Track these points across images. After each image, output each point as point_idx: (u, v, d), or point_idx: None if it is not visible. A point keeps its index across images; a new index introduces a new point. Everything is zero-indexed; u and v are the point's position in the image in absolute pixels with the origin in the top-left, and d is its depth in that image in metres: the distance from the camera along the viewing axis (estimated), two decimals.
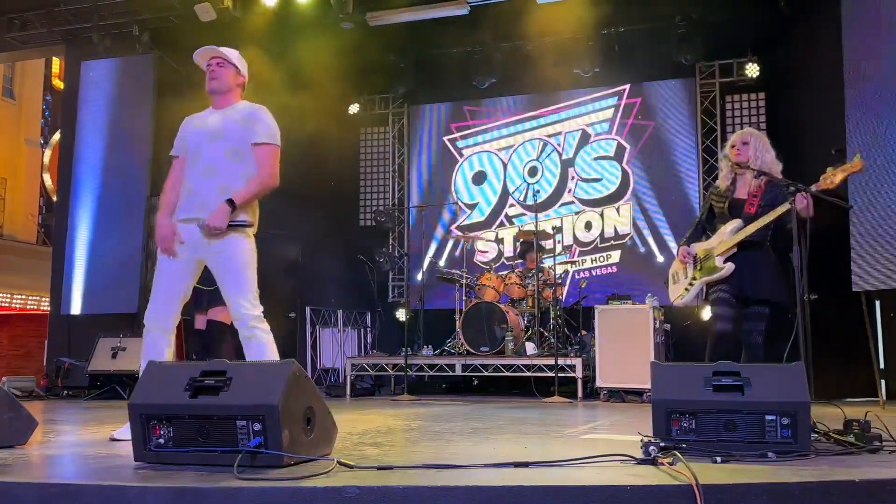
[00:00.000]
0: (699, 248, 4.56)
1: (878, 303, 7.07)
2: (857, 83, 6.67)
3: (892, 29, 6.49)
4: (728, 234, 4.36)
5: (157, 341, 3.60)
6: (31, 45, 9.88)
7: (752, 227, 4.25)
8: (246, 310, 3.56)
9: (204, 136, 3.70)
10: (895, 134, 6.36)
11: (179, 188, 3.75)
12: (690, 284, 4.55)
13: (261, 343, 3.56)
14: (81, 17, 9.19)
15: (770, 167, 4.34)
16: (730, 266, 4.32)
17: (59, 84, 17.27)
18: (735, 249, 4.33)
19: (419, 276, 10.15)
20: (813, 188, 3.97)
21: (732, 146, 4.46)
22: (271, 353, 3.57)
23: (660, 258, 9.51)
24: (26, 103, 18.44)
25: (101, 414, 5.37)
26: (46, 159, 18.33)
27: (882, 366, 6.82)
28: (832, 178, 3.96)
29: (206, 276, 5.40)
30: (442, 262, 10.27)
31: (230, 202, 3.57)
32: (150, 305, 3.65)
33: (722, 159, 4.57)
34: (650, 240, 9.64)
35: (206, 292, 5.45)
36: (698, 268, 4.51)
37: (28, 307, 16.83)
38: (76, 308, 8.63)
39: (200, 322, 5.65)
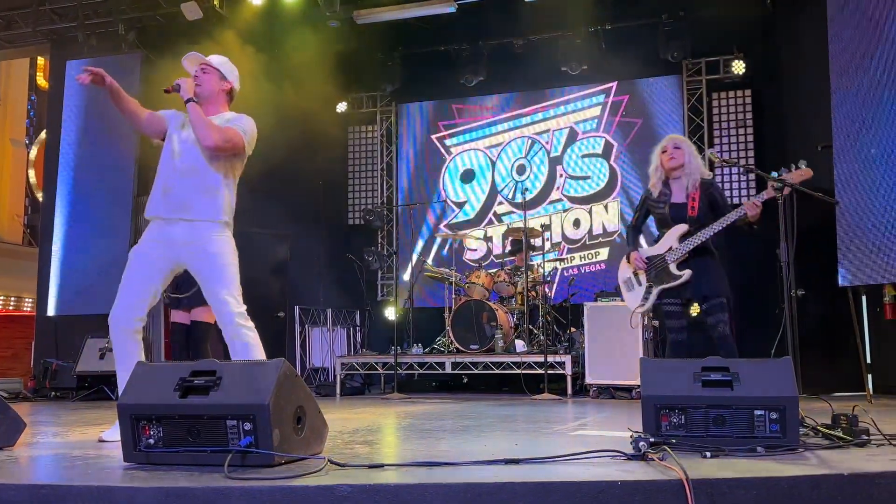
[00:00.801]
0: (648, 253, 4.62)
1: (864, 298, 7.13)
2: (842, 80, 6.71)
3: (877, 25, 6.54)
4: (676, 240, 4.43)
5: (125, 345, 3.50)
6: (16, 44, 9.81)
7: (705, 234, 4.34)
8: (231, 307, 3.51)
9: (188, 139, 3.67)
10: (880, 130, 6.41)
11: (143, 113, 3.81)
12: (648, 291, 4.59)
13: (246, 343, 3.50)
14: (66, 16, 9.14)
15: (701, 171, 4.45)
16: (688, 273, 4.39)
17: (44, 84, 17.14)
18: (687, 255, 4.39)
19: (408, 275, 10.15)
20: (764, 196, 4.04)
21: (664, 151, 4.54)
22: (257, 352, 3.50)
23: None
24: (11, 103, 18.28)
25: (89, 415, 5.34)
26: (32, 159, 18.20)
27: (868, 360, 6.88)
28: (786, 185, 4.02)
29: (185, 280, 5.51)
30: (430, 261, 10.26)
31: (195, 101, 3.63)
32: (116, 304, 3.55)
33: (655, 157, 4.62)
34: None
35: (185, 294, 5.52)
36: (652, 275, 4.55)
37: (15, 308, 16.71)
38: (63, 309, 8.58)
39: (178, 316, 5.67)
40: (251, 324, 3.56)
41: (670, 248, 4.46)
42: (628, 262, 4.71)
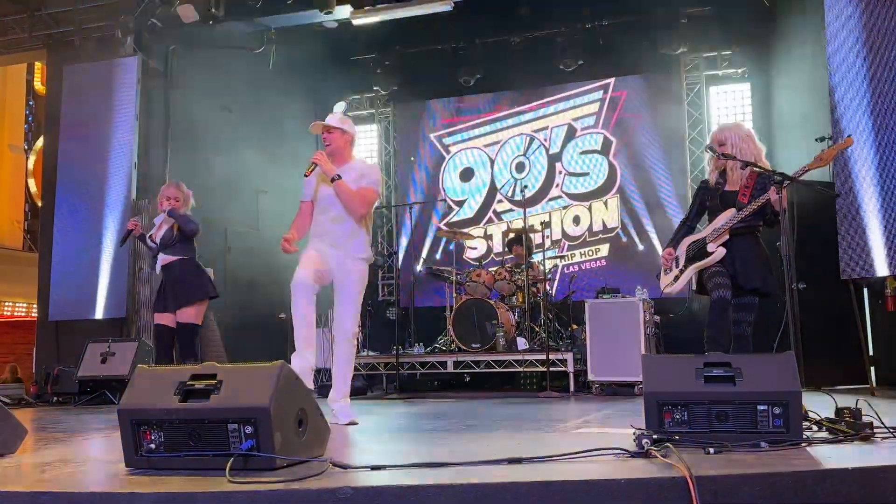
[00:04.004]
0: (690, 239, 4.60)
1: (866, 290, 7.11)
2: (840, 73, 6.70)
3: (875, 18, 6.52)
4: (722, 222, 4.41)
5: (308, 293, 4.40)
6: (13, 49, 9.79)
7: (744, 212, 4.33)
8: (350, 324, 4.47)
9: (332, 195, 4.46)
10: (879, 123, 6.40)
11: (305, 226, 4.63)
12: (681, 272, 4.59)
13: (349, 355, 4.51)
14: (63, 21, 9.11)
15: (753, 156, 4.38)
16: (721, 250, 4.38)
17: (41, 89, 17.13)
18: (727, 237, 4.38)
19: (409, 275, 10.13)
20: (805, 167, 4.05)
21: (712, 149, 4.51)
22: (351, 363, 4.56)
23: (648, 250, 9.54)
24: (9, 108, 18.28)
25: (91, 419, 5.33)
26: (30, 165, 18.20)
27: (871, 353, 6.86)
28: (824, 155, 4.06)
29: (175, 279, 5.56)
30: (424, 259, 10.25)
31: (339, 177, 4.40)
32: (297, 272, 4.45)
33: (706, 151, 4.60)
34: (638, 232, 9.66)
35: (172, 295, 5.55)
36: (689, 256, 4.56)
37: (15, 314, 16.72)
38: (64, 314, 8.57)
39: (163, 318, 5.70)
40: (356, 341, 4.63)
41: (713, 230, 4.46)
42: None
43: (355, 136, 4.70)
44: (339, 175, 4.41)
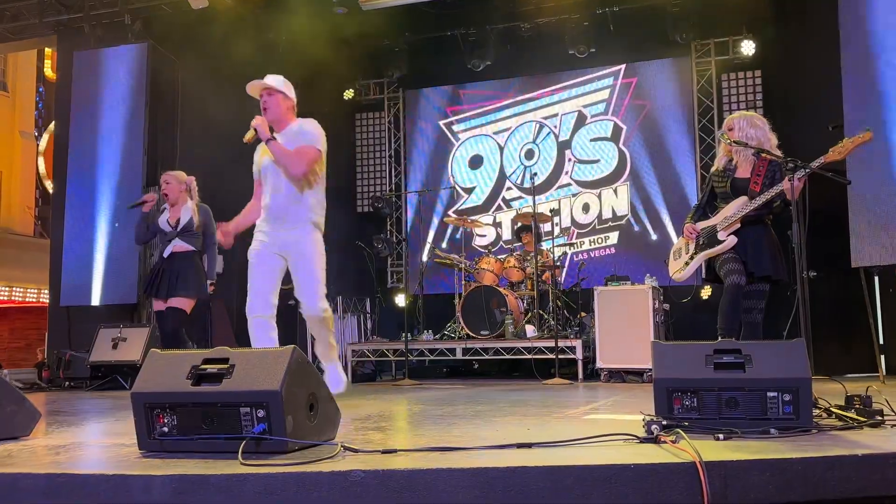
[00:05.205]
0: (701, 225, 4.61)
1: (876, 278, 7.09)
2: (853, 59, 6.65)
3: (887, 4, 6.47)
4: (734, 210, 4.40)
5: (265, 328, 4.16)
6: (23, 36, 9.80)
7: (757, 201, 4.32)
8: (317, 301, 4.21)
9: (270, 162, 4.26)
10: (891, 109, 6.36)
11: (257, 205, 4.40)
12: (691, 258, 4.60)
13: (323, 325, 4.31)
14: (72, 7, 9.12)
15: (760, 142, 4.36)
16: (732, 239, 4.39)
17: (51, 75, 17.17)
18: (738, 225, 4.38)
19: (418, 262, 10.15)
20: (822, 159, 4.03)
21: (723, 136, 4.52)
22: (328, 333, 4.35)
23: (657, 238, 9.52)
24: (19, 95, 18.36)
25: (102, 404, 5.37)
26: (42, 145, 18.28)
27: (882, 341, 6.84)
28: (841, 148, 4.05)
29: (177, 270, 5.59)
30: (430, 245, 10.25)
31: (273, 138, 4.18)
32: (249, 298, 4.19)
33: (720, 138, 4.60)
34: (648, 220, 9.64)
35: (168, 284, 5.62)
36: (700, 243, 4.56)
37: (27, 300, 16.84)
38: (75, 299, 8.62)
39: (159, 305, 5.77)
40: (330, 313, 4.33)
41: (724, 218, 4.46)
42: (683, 233, 4.76)
43: (295, 104, 4.42)
44: (272, 136, 4.17)
